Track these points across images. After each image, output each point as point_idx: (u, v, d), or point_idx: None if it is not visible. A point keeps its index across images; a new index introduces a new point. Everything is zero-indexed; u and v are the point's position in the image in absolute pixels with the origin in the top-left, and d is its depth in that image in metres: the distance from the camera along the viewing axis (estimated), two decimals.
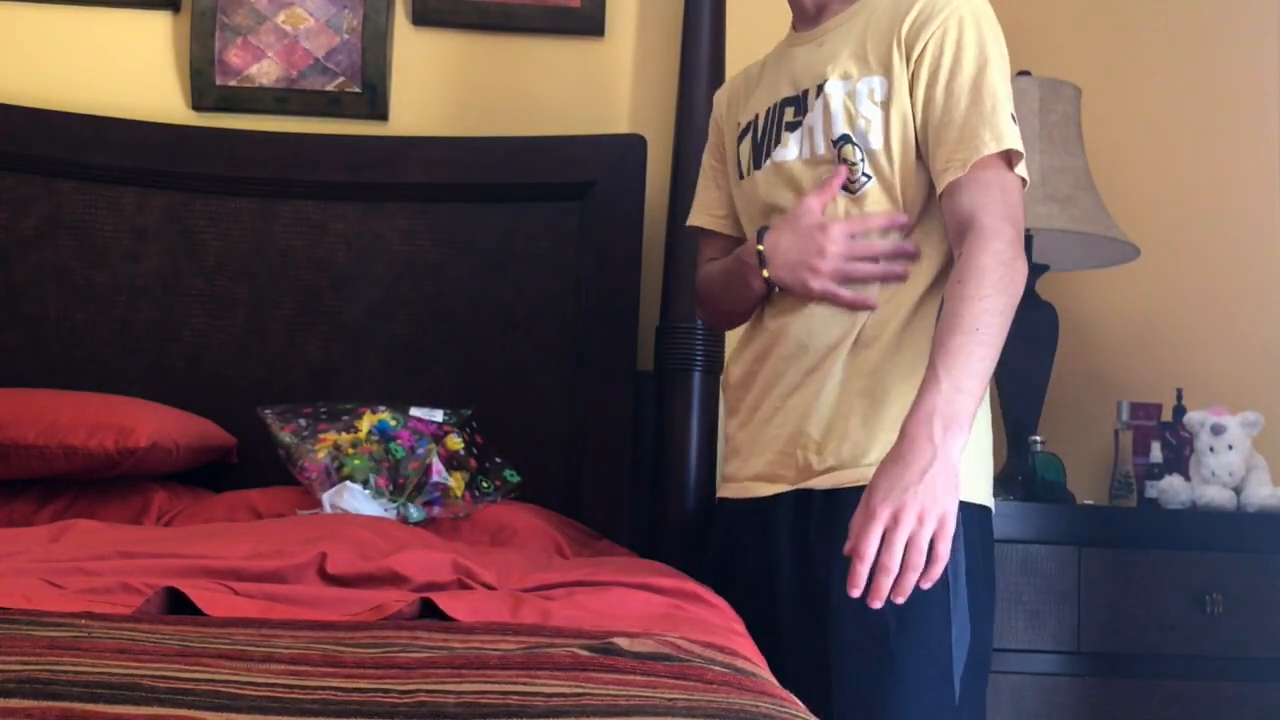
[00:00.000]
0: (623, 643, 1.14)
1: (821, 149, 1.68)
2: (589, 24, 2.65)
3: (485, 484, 2.16)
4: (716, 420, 2.44)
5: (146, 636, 1.10)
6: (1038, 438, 2.40)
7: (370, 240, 2.50)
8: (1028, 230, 2.43)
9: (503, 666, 1.04)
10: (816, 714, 1.55)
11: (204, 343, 2.47)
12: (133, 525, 2.02)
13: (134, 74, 2.64)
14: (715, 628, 1.40)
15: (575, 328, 2.47)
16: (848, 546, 1.45)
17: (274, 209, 2.51)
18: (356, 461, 2.09)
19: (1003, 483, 2.37)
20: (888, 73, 1.64)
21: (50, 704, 0.85)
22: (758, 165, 1.76)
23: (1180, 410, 2.49)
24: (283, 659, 1.04)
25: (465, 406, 2.27)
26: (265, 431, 2.18)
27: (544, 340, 2.48)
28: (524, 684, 0.98)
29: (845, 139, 1.66)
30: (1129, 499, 2.43)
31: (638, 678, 1.03)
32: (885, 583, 1.42)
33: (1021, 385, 2.44)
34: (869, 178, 1.66)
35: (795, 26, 1.81)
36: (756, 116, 1.78)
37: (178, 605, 1.31)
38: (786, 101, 1.73)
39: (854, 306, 1.65)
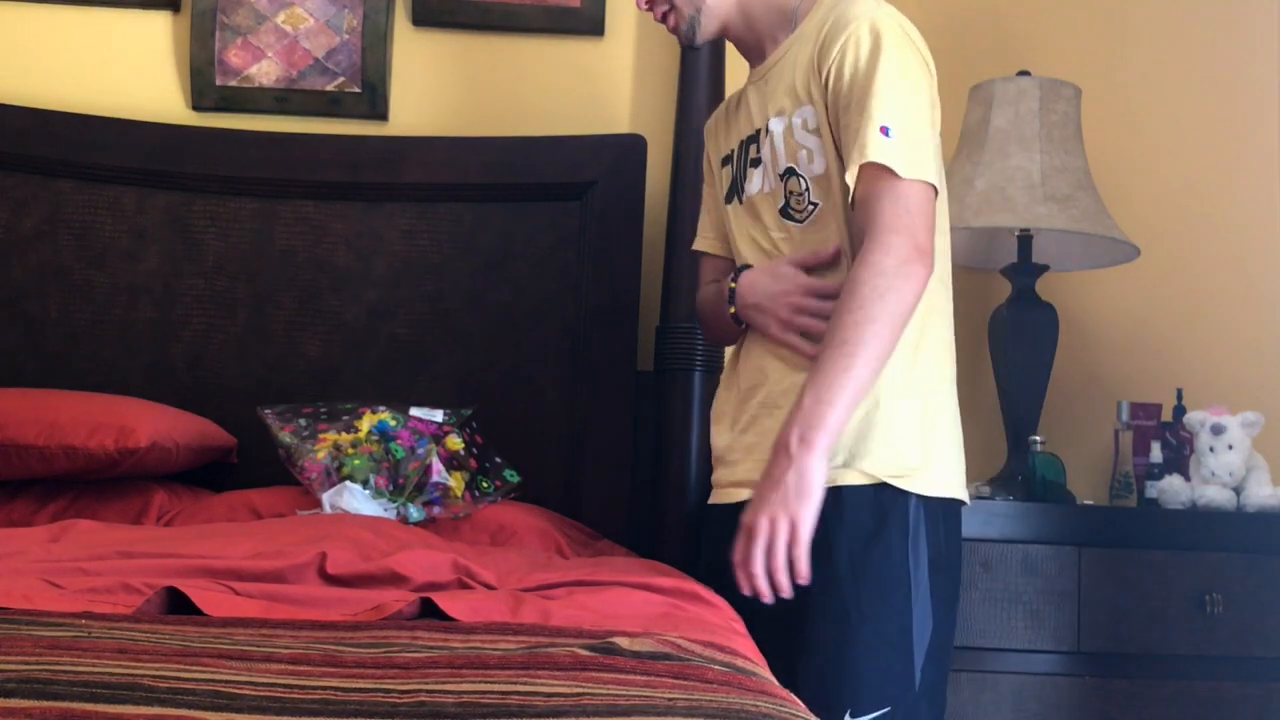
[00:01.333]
0: (623, 642, 1.14)
1: (773, 183, 1.76)
2: (589, 24, 2.65)
3: (485, 484, 2.16)
4: None
5: (146, 636, 1.10)
6: (1038, 438, 2.40)
7: (370, 240, 2.50)
8: (1027, 230, 2.44)
9: (503, 666, 1.04)
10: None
11: (204, 343, 2.47)
12: (133, 525, 2.02)
13: (134, 74, 2.64)
14: (715, 627, 1.40)
15: (575, 328, 2.47)
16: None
17: (274, 209, 2.51)
18: (356, 461, 2.09)
19: (1003, 483, 2.37)
20: (813, 100, 1.70)
21: (50, 704, 0.85)
22: (739, 198, 1.84)
23: (1180, 410, 2.49)
24: (283, 659, 1.04)
25: (465, 406, 2.27)
26: (265, 431, 2.18)
27: (544, 340, 2.48)
28: (524, 684, 0.98)
29: (789, 171, 1.73)
30: (1129, 499, 2.43)
31: (638, 677, 1.03)
32: (759, 586, 1.56)
33: (1021, 385, 2.45)
34: (816, 205, 1.71)
35: (750, 64, 1.88)
36: (733, 151, 1.87)
37: (178, 605, 1.31)
38: (749, 139, 1.82)
39: (807, 355, 1.70)
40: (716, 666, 1.11)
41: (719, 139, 1.94)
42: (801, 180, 1.71)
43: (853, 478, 1.66)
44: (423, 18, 2.65)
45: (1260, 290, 2.73)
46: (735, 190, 1.85)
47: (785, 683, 1.58)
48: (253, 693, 0.92)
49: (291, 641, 1.12)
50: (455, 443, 2.18)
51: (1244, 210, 2.75)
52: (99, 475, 2.12)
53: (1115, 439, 2.49)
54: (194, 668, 0.97)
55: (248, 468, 2.35)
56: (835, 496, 1.64)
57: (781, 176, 1.74)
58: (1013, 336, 2.44)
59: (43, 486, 2.14)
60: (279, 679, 0.97)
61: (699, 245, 2.02)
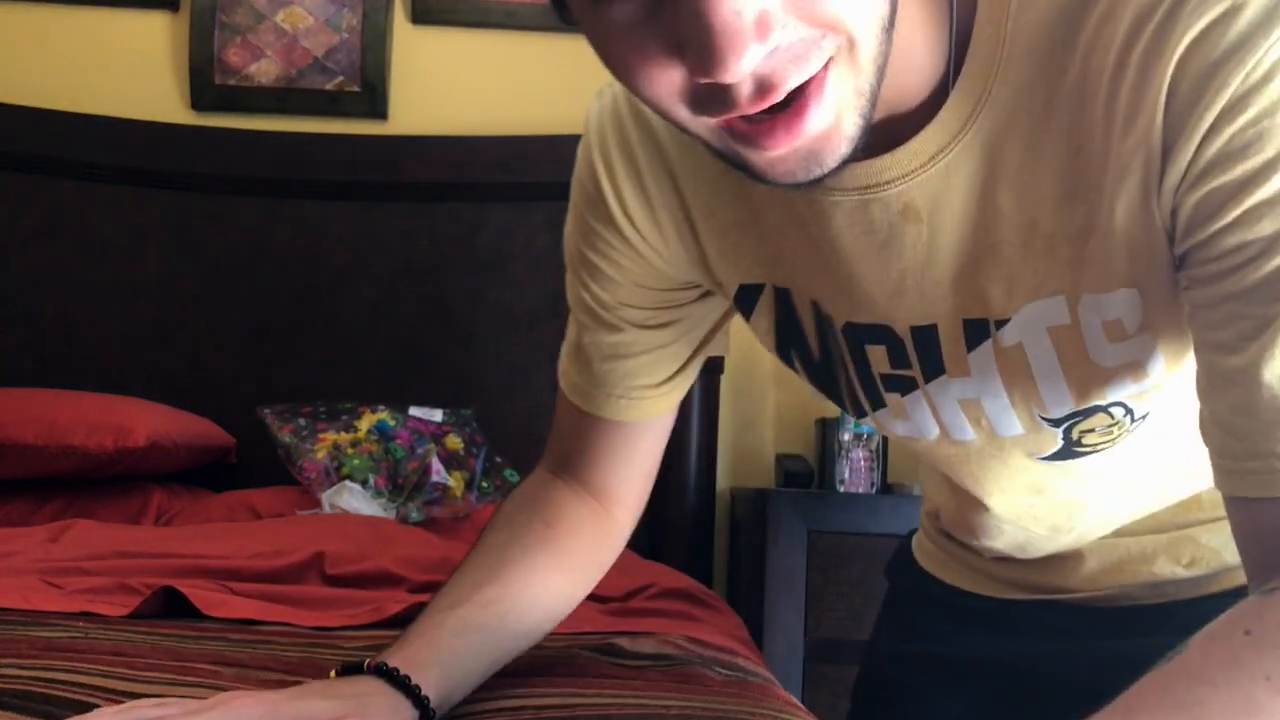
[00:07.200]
0: (623, 643, 1.13)
1: (1019, 428, 0.92)
2: None
3: (485, 484, 2.16)
4: (716, 420, 2.44)
5: (144, 638, 1.10)
6: None
7: (369, 240, 2.50)
8: None
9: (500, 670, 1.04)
10: None
11: (204, 343, 2.47)
12: (131, 525, 2.01)
13: (133, 73, 2.63)
14: (716, 629, 1.40)
15: None
16: None
17: (273, 209, 2.50)
18: (356, 461, 2.09)
19: None
20: (1160, 270, 0.79)
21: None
22: (861, 402, 0.97)
23: None
24: (280, 662, 1.04)
25: (465, 406, 2.27)
26: (265, 431, 2.18)
27: (544, 340, 2.48)
28: (523, 687, 0.98)
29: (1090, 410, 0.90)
30: None
31: (636, 682, 1.02)
32: None
33: None
34: (1140, 419, 0.91)
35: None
36: (792, 306, 0.95)
37: (176, 605, 1.30)
38: (878, 330, 0.90)
39: None
40: (718, 669, 1.10)
41: (731, 262, 0.97)
42: (1109, 414, 0.89)
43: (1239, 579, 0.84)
44: (422, 16, 2.65)
45: None
46: (870, 391, 0.95)
47: None
48: None
49: (290, 644, 1.12)
50: (455, 443, 2.18)
51: None
52: (98, 475, 2.12)
53: None
54: (189, 675, 0.97)
55: (247, 468, 2.35)
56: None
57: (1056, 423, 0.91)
58: None
59: (42, 486, 2.13)
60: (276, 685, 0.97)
61: (581, 402, 1.13)
